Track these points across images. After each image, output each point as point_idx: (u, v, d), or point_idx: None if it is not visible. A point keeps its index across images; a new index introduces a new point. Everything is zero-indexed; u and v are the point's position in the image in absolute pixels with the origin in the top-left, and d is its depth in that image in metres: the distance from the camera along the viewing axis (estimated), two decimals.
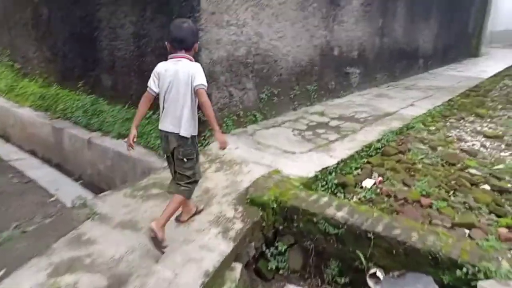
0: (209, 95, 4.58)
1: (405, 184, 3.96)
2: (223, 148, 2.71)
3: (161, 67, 2.65)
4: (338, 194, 3.83)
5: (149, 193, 3.56)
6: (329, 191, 3.82)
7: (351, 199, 3.72)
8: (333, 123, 5.64)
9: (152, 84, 2.67)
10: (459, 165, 4.45)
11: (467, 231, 3.11)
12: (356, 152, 4.48)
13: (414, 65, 10.53)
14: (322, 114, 6.09)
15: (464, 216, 3.30)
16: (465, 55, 14.49)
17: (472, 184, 3.96)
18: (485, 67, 12.23)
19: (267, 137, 4.91)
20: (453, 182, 4.03)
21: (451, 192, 3.84)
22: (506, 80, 9.93)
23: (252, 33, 5.06)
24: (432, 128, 5.82)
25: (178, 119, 2.63)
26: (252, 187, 3.52)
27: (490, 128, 5.89)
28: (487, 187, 3.91)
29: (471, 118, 6.38)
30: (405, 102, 7.03)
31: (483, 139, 5.40)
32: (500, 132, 5.60)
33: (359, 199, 3.72)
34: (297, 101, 6.23)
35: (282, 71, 5.79)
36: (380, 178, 4.04)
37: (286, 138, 4.88)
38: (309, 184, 3.71)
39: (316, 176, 3.82)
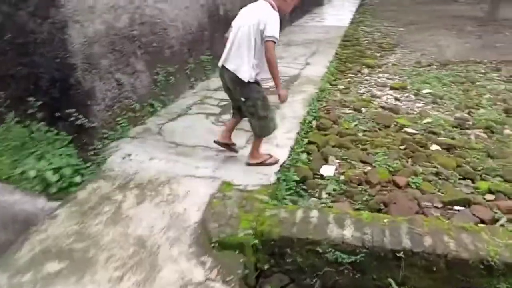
0: (91, 89, 3.17)
1: (363, 162, 3.46)
2: (282, 101, 2.93)
3: (243, 9, 2.84)
4: (302, 192, 3.09)
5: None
6: (294, 193, 3.04)
7: (322, 197, 3.02)
8: None
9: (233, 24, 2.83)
10: (393, 125, 4.20)
11: (461, 208, 2.78)
12: (297, 133, 3.76)
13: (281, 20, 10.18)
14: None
15: (450, 191, 2.98)
16: (313, 5, 15.02)
17: (421, 146, 3.72)
18: (336, 15, 12.83)
19: (182, 132, 3.75)
20: (403, 147, 3.72)
21: (409, 159, 3.52)
22: (362, 27, 10.52)
23: None
24: (341, 87, 5.51)
25: (239, 61, 2.72)
26: (209, 219, 2.47)
27: (388, 78, 5.91)
28: (435, 147, 3.73)
29: (366, 70, 6.34)
30: (299, 62, 6.56)
31: (391, 91, 5.34)
32: (401, 82, 5.65)
33: (330, 194, 3.05)
34: (194, 77, 5.09)
35: (174, 42, 4.52)
36: (338, 162, 3.44)
37: (207, 130, 3.81)
38: (274, 192, 2.85)
39: (278, 178, 2.96)
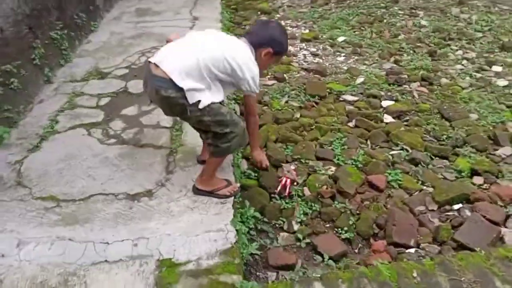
0: None
1: (322, 159, 2.72)
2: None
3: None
4: (264, 227, 2.23)
5: None
6: (255, 233, 2.16)
7: (294, 230, 2.22)
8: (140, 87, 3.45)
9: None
10: (327, 93, 3.50)
11: (460, 206, 2.29)
12: None
13: None
14: (100, 75, 3.66)
15: (434, 181, 2.46)
16: None
17: (371, 119, 3.12)
18: None
19: (58, 172, 2.41)
20: (352, 125, 3.09)
21: (368, 142, 2.91)
22: None
23: None
24: None
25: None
26: None
27: (292, 26, 5.12)
28: (387, 117, 3.17)
29: (264, 19, 5.39)
30: (183, 17, 5.23)
31: (304, 44, 4.58)
32: (309, 31, 4.91)
33: (302, 223, 2.26)
34: (47, 66, 3.49)
35: (1, 22, 2.85)
36: (293, 168, 2.62)
37: (97, 156, 2.54)
38: (239, 255, 1.91)
39: (237, 230, 2.00)
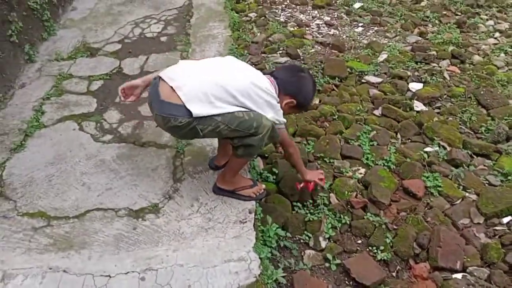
0: None
1: (348, 158, 2.40)
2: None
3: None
4: (287, 243, 1.96)
5: None
6: (278, 251, 1.89)
7: (321, 247, 1.95)
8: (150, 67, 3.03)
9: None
10: (348, 74, 3.11)
11: (506, 218, 2.02)
12: None
13: None
14: (89, 51, 3.21)
15: (478, 186, 2.17)
16: None
17: (399, 107, 2.78)
18: None
19: (45, 181, 2.07)
20: (379, 113, 2.74)
21: (398, 135, 2.58)
22: None
23: None
24: (252, 14, 4.03)
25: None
26: None
27: None
28: (417, 104, 2.82)
29: None
30: None
31: (316, 12, 4.09)
32: None
33: (331, 238, 1.98)
34: (27, 41, 3.03)
35: None
36: (317, 166, 2.30)
37: (92, 158, 2.19)
38: None
39: (261, 258, 1.72)
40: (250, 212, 1.91)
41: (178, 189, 2.02)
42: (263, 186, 2.00)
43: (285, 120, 1.77)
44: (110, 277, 1.63)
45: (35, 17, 3.19)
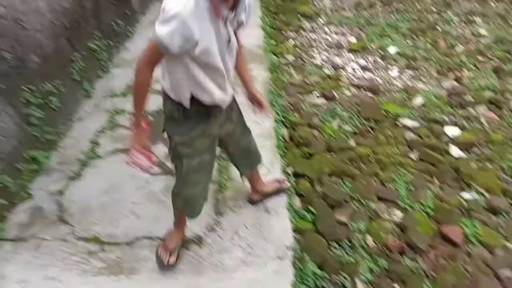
0: None
1: (384, 200, 2.44)
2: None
3: None
4: (322, 284, 1.99)
5: None
6: None
7: None
8: None
9: None
10: (384, 117, 3.20)
11: None
12: (280, 167, 2.53)
13: None
14: None
15: None
16: None
17: (436, 151, 2.81)
18: None
19: (100, 209, 2.25)
20: (416, 157, 2.78)
21: (434, 180, 2.61)
22: None
23: None
24: (290, 58, 4.23)
25: None
26: None
27: (337, 34, 4.77)
28: (455, 150, 2.85)
29: (307, 24, 5.07)
30: None
31: (352, 55, 4.26)
32: (357, 40, 4.58)
33: (369, 282, 2.01)
34: (86, 78, 3.34)
35: (41, 37, 2.70)
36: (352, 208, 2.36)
37: (139, 190, 2.36)
38: None
39: None
40: (288, 249, 1.99)
41: (220, 222, 2.14)
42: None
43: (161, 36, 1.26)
44: None
45: (94, 57, 3.52)
